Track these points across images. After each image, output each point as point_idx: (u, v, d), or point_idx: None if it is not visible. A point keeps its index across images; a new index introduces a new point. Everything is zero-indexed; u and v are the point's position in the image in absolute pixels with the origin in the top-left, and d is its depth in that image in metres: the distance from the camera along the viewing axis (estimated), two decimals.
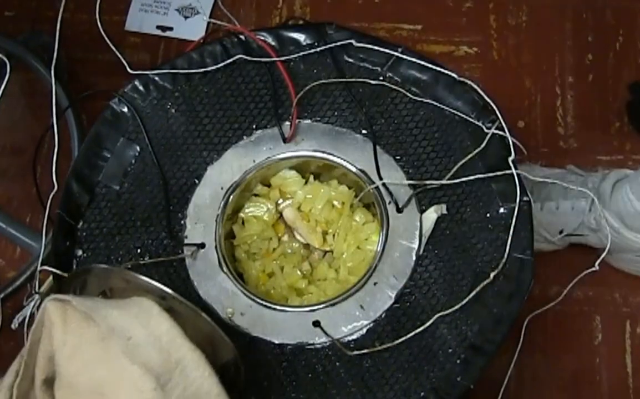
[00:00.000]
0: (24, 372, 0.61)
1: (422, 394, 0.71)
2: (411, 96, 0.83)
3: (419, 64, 0.83)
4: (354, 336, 0.74)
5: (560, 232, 0.94)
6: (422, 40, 1.13)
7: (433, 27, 1.14)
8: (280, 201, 0.85)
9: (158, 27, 1.14)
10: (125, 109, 0.84)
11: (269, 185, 0.85)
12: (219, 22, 0.92)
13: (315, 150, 0.83)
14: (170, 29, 1.14)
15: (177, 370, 0.59)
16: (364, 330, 0.74)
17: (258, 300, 0.76)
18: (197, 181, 0.82)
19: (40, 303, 0.76)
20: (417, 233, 0.78)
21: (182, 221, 0.80)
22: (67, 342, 0.59)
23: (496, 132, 0.79)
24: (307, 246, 0.84)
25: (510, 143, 0.78)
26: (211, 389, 0.60)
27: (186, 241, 0.79)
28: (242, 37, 0.86)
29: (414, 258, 0.77)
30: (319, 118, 0.84)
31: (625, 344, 0.95)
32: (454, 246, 0.77)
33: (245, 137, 0.83)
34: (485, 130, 0.80)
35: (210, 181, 0.82)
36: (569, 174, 0.95)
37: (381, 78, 0.84)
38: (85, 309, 0.60)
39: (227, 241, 0.82)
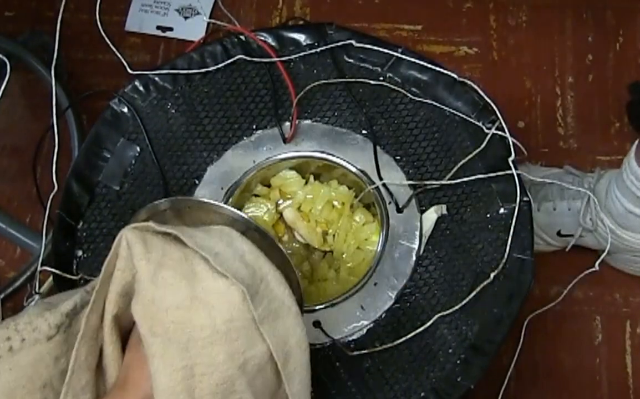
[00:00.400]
0: (94, 305, 0.60)
1: (422, 394, 0.71)
2: (411, 96, 0.83)
3: (419, 64, 0.83)
4: (354, 337, 0.74)
5: (558, 233, 0.94)
6: (422, 41, 1.13)
7: (433, 27, 1.14)
8: (280, 201, 0.85)
9: (158, 28, 1.14)
10: (126, 109, 0.84)
11: (269, 186, 0.85)
12: (219, 23, 0.92)
13: (315, 151, 0.83)
14: (170, 29, 1.14)
15: (262, 284, 0.59)
16: (364, 330, 0.74)
17: None
18: (197, 181, 0.82)
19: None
20: (417, 233, 0.78)
21: None
22: (152, 258, 0.59)
23: (496, 132, 0.79)
24: (307, 246, 0.84)
25: (510, 143, 0.78)
26: (291, 306, 0.60)
27: None
28: (242, 37, 0.86)
29: (414, 258, 0.77)
30: (319, 119, 0.84)
31: (626, 345, 0.95)
32: (454, 246, 0.77)
33: (245, 137, 0.83)
34: (485, 131, 0.80)
35: (210, 181, 0.82)
36: (566, 175, 0.95)
37: (381, 78, 0.84)
38: (170, 230, 0.59)
39: None
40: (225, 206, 0.63)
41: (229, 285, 0.57)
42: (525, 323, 0.90)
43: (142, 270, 0.59)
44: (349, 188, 0.83)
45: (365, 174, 0.81)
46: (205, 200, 0.64)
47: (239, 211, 0.63)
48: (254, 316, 0.57)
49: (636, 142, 0.84)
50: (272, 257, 0.62)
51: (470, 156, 0.80)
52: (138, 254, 0.59)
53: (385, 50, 0.84)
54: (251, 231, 0.63)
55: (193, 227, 0.63)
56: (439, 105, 0.82)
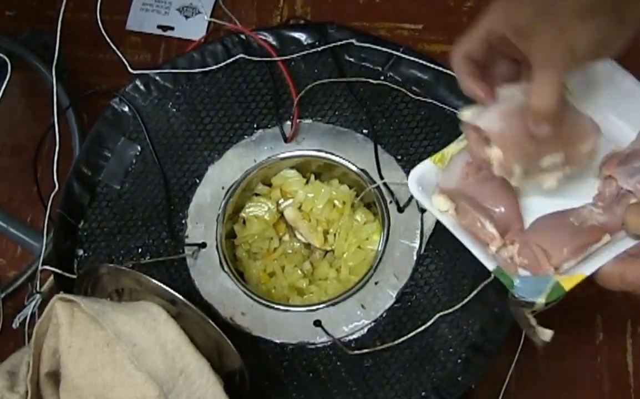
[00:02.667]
0: (33, 365, 0.62)
1: (423, 393, 0.71)
2: (412, 95, 0.83)
3: (420, 63, 0.83)
4: (355, 336, 0.74)
5: None
6: (423, 40, 1.13)
7: (434, 26, 1.13)
8: (281, 200, 0.85)
9: (159, 27, 1.14)
10: (126, 109, 0.84)
11: (270, 185, 0.85)
12: (220, 22, 0.92)
13: (316, 150, 0.83)
14: (171, 28, 1.14)
15: (181, 377, 0.59)
16: (365, 330, 0.74)
17: (259, 300, 0.76)
18: (198, 180, 0.82)
19: (42, 303, 0.77)
20: (418, 232, 0.78)
21: (183, 221, 0.80)
22: (73, 344, 0.60)
23: None
24: (308, 245, 0.84)
25: None
26: (215, 397, 0.60)
27: (187, 240, 0.79)
28: (243, 36, 0.87)
29: (415, 257, 0.77)
30: (319, 118, 0.84)
31: (627, 344, 0.94)
32: (455, 245, 0.77)
33: (246, 137, 0.83)
34: None
35: (211, 180, 0.82)
36: None
37: (382, 77, 0.84)
38: (92, 312, 0.60)
39: (228, 240, 0.82)
40: (162, 285, 0.64)
41: (146, 379, 0.58)
42: None
43: (66, 355, 0.60)
44: (350, 187, 0.83)
45: (366, 173, 0.81)
46: (148, 279, 0.65)
47: (174, 293, 0.63)
48: None
49: None
50: (206, 331, 0.63)
51: None
52: (62, 337, 0.61)
53: (386, 50, 0.84)
54: (181, 305, 0.64)
55: (124, 301, 0.65)
56: (440, 104, 0.82)
